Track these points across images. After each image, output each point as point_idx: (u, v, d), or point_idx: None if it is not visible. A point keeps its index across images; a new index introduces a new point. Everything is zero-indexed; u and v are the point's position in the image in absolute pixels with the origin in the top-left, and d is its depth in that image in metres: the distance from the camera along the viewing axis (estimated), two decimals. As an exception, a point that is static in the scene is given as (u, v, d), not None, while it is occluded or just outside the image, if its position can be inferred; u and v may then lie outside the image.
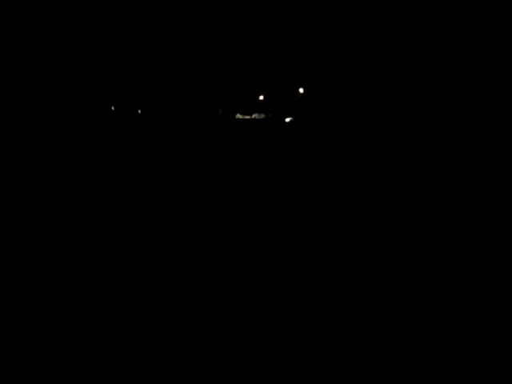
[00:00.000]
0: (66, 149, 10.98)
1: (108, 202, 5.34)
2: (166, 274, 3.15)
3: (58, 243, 3.76)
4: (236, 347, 2.24)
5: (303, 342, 2.29)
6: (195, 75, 30.84)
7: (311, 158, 10.85)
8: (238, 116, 41.12)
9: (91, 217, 4.62)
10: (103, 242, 3.83)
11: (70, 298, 2.77)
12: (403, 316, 2.57)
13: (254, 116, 40.64)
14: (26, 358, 2.12)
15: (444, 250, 3.68)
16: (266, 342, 2.28)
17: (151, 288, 2.93)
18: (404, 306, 2.69)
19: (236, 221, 4.58)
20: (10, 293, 2.80)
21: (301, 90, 29.00)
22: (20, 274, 3.10)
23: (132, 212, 4.86)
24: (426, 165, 8.27)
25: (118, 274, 3.14)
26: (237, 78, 32.61)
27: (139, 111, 31.53)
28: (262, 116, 41.70)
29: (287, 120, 31.18)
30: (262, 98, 35.52)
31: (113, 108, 28.23)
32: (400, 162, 9.31)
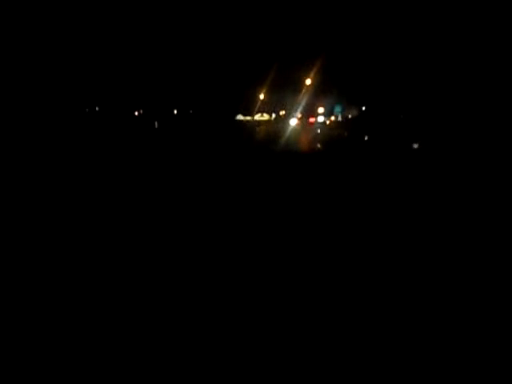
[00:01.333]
0: (65, 148, 10.93)
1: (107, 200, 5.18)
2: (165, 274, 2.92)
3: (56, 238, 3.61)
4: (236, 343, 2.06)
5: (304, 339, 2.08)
6: (197, 77, 30.85)
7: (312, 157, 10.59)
8: (240, 117, 41.05)
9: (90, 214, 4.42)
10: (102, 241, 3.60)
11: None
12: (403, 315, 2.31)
13: (255, 118, 40.60)
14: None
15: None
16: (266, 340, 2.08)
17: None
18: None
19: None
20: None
21: (307, 82, 28.74)
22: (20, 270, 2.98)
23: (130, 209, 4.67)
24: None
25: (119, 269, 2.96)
26: (238, 79, 32.58)
27: (136, 113, 31.49)
28: (265, 118, 41.68)
29: (292, 123, 30.81)
30: (262, 97, 35.36)
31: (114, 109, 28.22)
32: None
